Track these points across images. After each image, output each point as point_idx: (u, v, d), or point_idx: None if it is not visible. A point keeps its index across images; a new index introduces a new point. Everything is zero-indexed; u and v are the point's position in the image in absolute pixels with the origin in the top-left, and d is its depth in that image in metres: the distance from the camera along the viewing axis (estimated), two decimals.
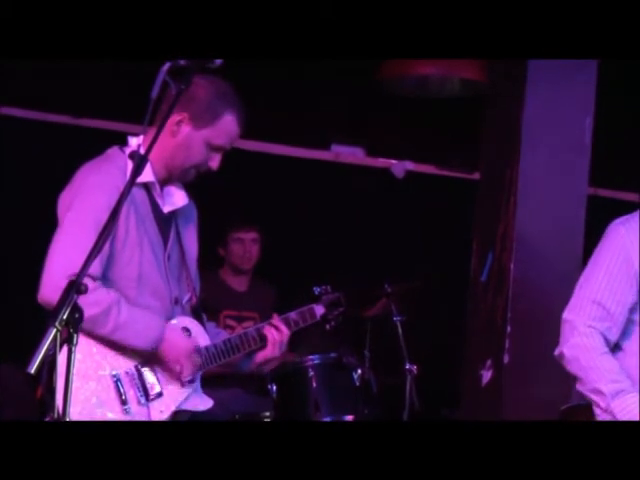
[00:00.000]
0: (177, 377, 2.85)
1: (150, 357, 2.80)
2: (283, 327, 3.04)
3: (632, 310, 2.75)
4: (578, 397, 2.81)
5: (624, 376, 2.71)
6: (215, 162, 2.85)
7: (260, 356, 3.02)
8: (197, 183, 2.94)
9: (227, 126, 2.83)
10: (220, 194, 4.65)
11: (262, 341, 3.00)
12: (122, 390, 2.74)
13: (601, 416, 2.71)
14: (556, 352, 2.79)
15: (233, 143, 2.87)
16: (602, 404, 2.69)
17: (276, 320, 3.05)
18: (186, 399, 2.86)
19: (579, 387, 2.75)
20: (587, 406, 2.75)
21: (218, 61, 2.32)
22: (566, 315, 2.77)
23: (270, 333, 2.99)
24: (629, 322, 2.77)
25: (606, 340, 2.74)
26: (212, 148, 2.82)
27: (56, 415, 2.27)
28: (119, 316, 2.70)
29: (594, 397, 2.71)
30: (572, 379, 2.79)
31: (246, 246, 4.93)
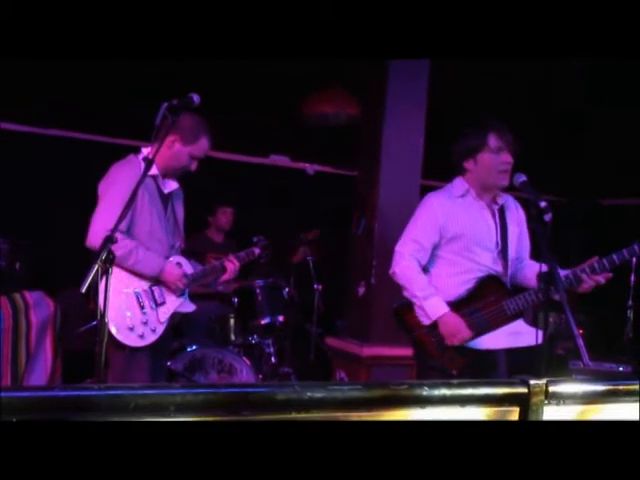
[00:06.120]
0: (174, 292, 2.90)
1: (157, 280, 2.86)
2: (235, 261, 3.09)
3: (436, 247, 2.82)
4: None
5: (431, 286, 2.77)
6: (194, 166, 2.92)
7: (222, 279, 3.11)
8: (185, 178, 2.97)
9: (203, 144, 2.89)
10: (199, 185, 3.71)
11: (223, 269, 3.06)
12: (141, 300, 2.81)
13: (418, 311, 2.77)
14: (390, 271, 2.85)
15: (206, 154, 2.94)
16: (418, 303, 2.75)
17: (231, 257, 3.12)
18: (179, 305, 2.94)
19: (405, 293, 2.82)
20: (410, 304, 2.80)
21: (197, 101, 2.37)
22: (397, 248, 2.85)
23: (228, 264, 3.06)
24: (434, 256, 2.83)
25: (420, 264, 2.81)
26: (192, 158, 2.89)
27: (99, 317, 2.19)
28: (137, 255, 2.75)
29: (414, 299, 2.77)
30: (401, 288, 2.84)
31: (228, 216, 5.12)
